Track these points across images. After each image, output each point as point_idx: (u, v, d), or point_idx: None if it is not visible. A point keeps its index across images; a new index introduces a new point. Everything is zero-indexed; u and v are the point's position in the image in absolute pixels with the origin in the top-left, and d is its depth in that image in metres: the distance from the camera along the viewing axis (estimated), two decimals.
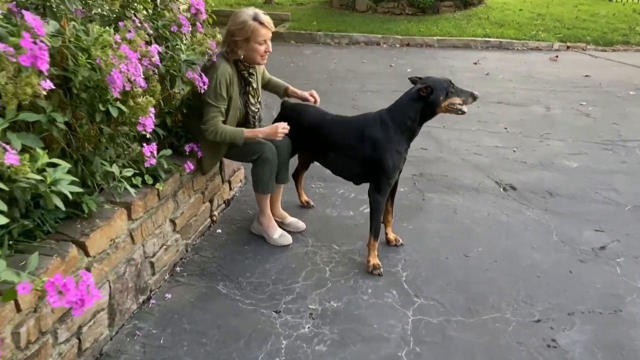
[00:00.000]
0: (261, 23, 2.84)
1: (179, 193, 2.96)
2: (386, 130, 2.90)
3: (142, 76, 2.35)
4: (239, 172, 3.89)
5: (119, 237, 2.42)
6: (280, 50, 9.37)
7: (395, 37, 10.20)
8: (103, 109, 2.05)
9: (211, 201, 3.43)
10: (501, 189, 4.08)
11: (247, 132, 2.96)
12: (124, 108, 2.12)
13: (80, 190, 1.89)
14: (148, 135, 2.33)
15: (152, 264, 2.75)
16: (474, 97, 2.87)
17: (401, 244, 3.26)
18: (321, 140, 3.14)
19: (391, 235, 3.28)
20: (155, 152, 2.47)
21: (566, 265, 3.11)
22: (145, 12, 2.94)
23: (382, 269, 2.98)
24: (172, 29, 2.78)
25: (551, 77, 7.72)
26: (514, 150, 4.90)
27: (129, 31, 2.15)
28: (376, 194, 2.95)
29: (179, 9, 2.97)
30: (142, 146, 2.45)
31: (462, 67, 8.28)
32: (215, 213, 3.51)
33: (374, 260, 3.00)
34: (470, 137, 5.24)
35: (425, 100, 2.83)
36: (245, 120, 3.11)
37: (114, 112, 2.08)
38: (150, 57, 2.20)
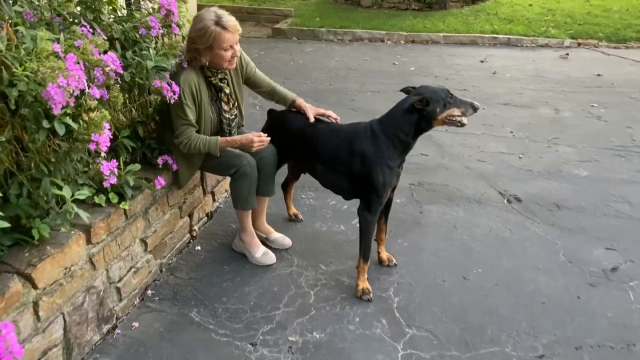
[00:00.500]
0: (224, 28, 2.53)
1: (150, 210, 2.72)
2: (377, 143, 2.64)
3: (100, 86, 2.13)
4: (223, 182, 3.64)
5: (75, 265, 2.18)
6: (280, 47, 9.12)
7: (400, 34, 9.90)
8: (47, 125, 1.81)
9: (190, 215, 3.19)
10: (505, 201, 3.81)
11: (222, 141, 2.72)
12: (72, 124, 1.87)
13: (7, 225, 1.64)
14: (103, 154, 2.08)
15: (118, 290, 2.51)
16: (475, 109, 2.60)
17: (394, 264, 3.01)
18: (307, 150, 2.88)
19: (384, 255, 3.03)
20: (115, 169, 2.23)
21: (574, 290, 2.84)
22: (114, 13, 2.71)
23: (371, 294, 2.73)
24: (140, 32, 2.53)
25: (561, 77, 7.40)
26: (520, 157, 4.61)
27: (79, 38, 1.90)
28: (366, 212, 2.69)
29: (151, 9, 2.72)
30: (110, 160, 2.21)
31: (468, 66, 7.97)
32: (196, 228, 3.27)
33: (363, 284, 2.75)
34: (474, 141, 4.96)
35: (421, 113, 2.56)
36: (220, 129, 2.86)
37: (60, 130, 1.83)
38: (104, 66, 1.95)
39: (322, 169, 2.85)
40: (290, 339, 2.45)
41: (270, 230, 3.19)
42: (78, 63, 1.74)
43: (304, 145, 2.88)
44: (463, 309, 2.69)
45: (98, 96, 2.01)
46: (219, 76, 2.75)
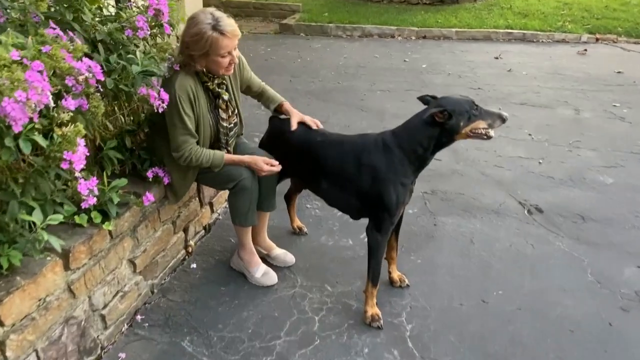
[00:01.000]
0: (222, 33, 2.26)
1: (139, 228, 2.48)
2: (390, 157, 2.37)
3: (78, 95, 1.89)
4: (223, 192, 3.40)
5: (51, 295, 1.95)
6: (288, 44, 8.85)
7: (411, 29, 9.59)
8: (10, 144, 1.57)
9: (186, 230, 2.96)
10: (525, 212, 3.54)
11: (227, 158, 2.48)
12: (41, 141, 1.63)
13: None
14: (77, 174, 1.84)
15: (102, 317, 2.28)
16: (503, 120, 2.32)
17: (407, 285, 2.76)
18: (311, 165, 2.62)
19: (395, 275, 2.77)
20: (95, 188, 1.99)
21: (605, 315, 2.58)
22: (100, 12, 2.47)
23: (381, 321, 2.48)
24: (126, 34, 2.29)
25: (579, 74, 7.08)
26: (540, 162, 4.33)
27: (47, 42, 1.66)
28: (376, 232, 2.44)
29: (141, 7, 2.47)
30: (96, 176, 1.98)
31: (482, 62, 7.66)
32: (192, 243, 3.03)
33: (372, 309, 2.51)
34: (490, 145, 4.67)
35: (442, 127, 2.29)
36: (216, 139, 2.61)
37: (26, 148, 1.59)
38: (77, 74, 1.71)
39: (327, 185, 2.59)
40: None
41: (271, 246, 2.95)
42: (41, 73, 1.49)
43: (307, 159, 2.62)
44: (483, 337, 2.43)
45: (73, 107, 1.77)
46: (217, 81, 2.50)
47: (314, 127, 2.67)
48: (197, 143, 2.49)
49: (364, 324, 2.49)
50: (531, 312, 2.60)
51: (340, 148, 2.52)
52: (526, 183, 3.96)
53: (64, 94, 1.80)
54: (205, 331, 2.43)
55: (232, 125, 2.61)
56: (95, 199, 2.00)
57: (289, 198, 3.18)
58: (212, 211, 3.29)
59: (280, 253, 2.92)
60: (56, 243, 1.77)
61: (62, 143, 1.72)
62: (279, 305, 2.62)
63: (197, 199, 3.04)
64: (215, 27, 2.26)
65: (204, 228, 3.20)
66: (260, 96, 2.84)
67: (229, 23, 2.31)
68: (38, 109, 1.50)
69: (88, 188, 1.95)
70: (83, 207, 1.99)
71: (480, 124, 2.29)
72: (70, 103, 1.76)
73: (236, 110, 2.64)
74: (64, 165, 1.72)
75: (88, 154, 1.82)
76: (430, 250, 3.09)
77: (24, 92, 1.41)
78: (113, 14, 2.55)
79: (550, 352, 2.35)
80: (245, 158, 2.51)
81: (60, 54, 1.67)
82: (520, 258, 3.03)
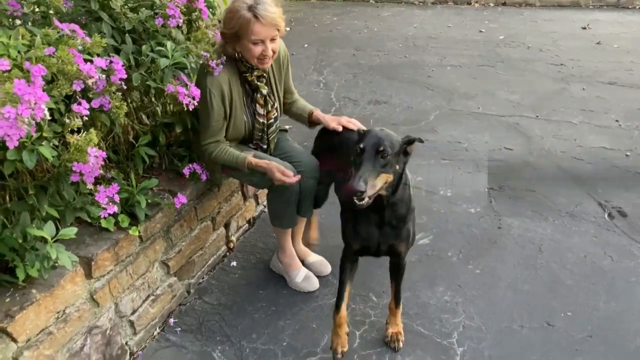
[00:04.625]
0: (256, 17, 2.04)
1: (173, 228, 2.35)
2: None
3: (100, 93, 1.74)
4: None
5: (70, 306, 1.86)
6: (356, 12, 8.45)
7: None
8: (14, 157, 1.44)
9: (227, 225, 2.81)
10: (606, 215, 3.12)
11: (249, 161, 2.28)
12: (46, 153, 1.49)
13: None
14: (89, 186, 1.69)
15: (131, 323, 2.19)
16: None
17: (400, 346, 2.25)
18: None
19: (391, 329, 2.29)
20: (115, 195, 1.85)
21: None
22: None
23: (344, 349, 2.16)
24: (157, 22, 2.11)
25: None
26: (627, 155, 3.83)
27: (55, 41, 1.50)
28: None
29: None
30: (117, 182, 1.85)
31: (567, 33, 6.95)
32: (233, 239, 2.89)
33: (335, 339, 2.18)
34: (570, 132, 4.20)
35: None
36: (250, 135, 2.41)
37: (30, 162, 1.46)
38: (85, 78, 1.54)
39: None
40: None
41: (307, 252, 2.73)
42: (35, 81, 1.33)
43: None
44: None
45: (86, 112, 1.61)
46: (256, 73, 2.29)
47: (353, 128, 2.36)
48: (227, 138, 2.32)
49: (409, 343, 2.26)
50: (605, 341, 2.26)
51: None
52: (609, 180, 3.49)
53: (79, 97, 1.65)
54: (238, 341, 2.29)
55: (271, 121, 2.39)
56: (115, 207, 1.87)
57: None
58: (257, 204, 3.13)
59: (316, 260, 2.71)
60: (67, 261, 1.65)
61: (73, 152, 1.58)
62: (318, 315, 2.43)
63: (239, 192, 2.88)
64: (252, 8, 2.06)
65: (248, 222, 3.05)
66: (291, 107, 2.58)
67: (269, 9, 2.08)
68: (34, 122, 1.34)
69: (107, 196, 1.82)
70: (103, 217, 1.86)
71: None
72: (82, 107, 1.61)
73: (276, 105, 2.42)
74: (74, 178, 1.58)
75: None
76: (491, 259, 2.78)
77: (13, 107, 1.25)
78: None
79: None
80: (262, 163, 2.27)
81: (67, 55, 1.50)
82: (595, 273, 2.66)
